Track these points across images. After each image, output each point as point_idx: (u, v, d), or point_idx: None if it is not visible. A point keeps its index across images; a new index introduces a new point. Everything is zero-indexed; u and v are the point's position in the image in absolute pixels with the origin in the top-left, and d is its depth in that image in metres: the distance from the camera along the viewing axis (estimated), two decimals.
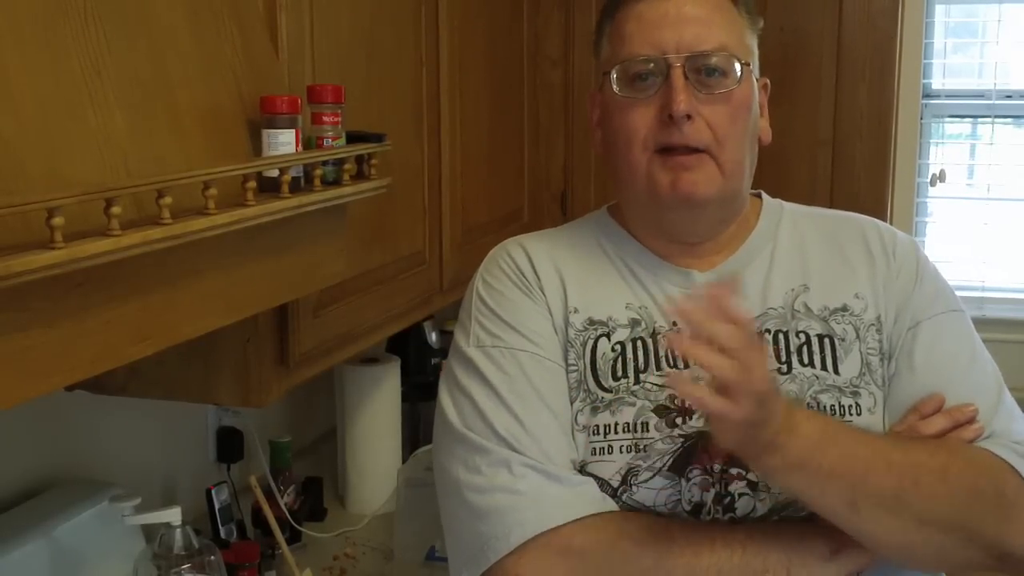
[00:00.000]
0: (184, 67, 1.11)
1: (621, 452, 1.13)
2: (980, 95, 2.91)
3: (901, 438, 1.13)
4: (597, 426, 1.14)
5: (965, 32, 2.97)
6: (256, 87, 1.21)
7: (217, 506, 1.73)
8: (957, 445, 1.12)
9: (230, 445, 1.87)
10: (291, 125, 1.18)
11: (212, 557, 1.46)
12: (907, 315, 1.20)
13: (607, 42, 1.23)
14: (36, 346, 0.86)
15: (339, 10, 1.49)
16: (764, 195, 1.30)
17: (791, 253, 1.24)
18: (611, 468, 1.13)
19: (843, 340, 1.18)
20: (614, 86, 1.18)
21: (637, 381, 1.16)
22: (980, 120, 2.95)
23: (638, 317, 1.19)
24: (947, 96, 2.91)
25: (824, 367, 1.17)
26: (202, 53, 1.15)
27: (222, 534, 1.73)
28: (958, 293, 1.26)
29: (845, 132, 2.31)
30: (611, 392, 1.15)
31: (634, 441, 1.13)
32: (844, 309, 1.20)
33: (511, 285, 1.21)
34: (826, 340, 1.18)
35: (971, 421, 1.14)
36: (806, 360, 1.17)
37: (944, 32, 2.91)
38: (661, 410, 1.14)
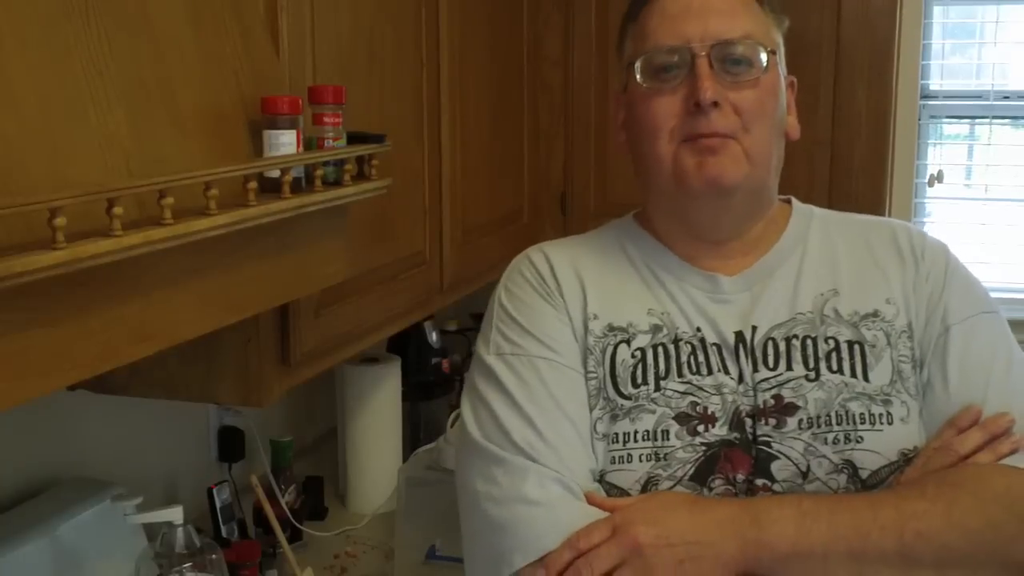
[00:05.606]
0: (185, 68, 1.12)
1: (641, 461, 1.10)
2: (978, 96, 2.91)
3: (897, 489, 1.08)
4: (616, 434, 1.11)
5: (963, 33, 2.97)
6: (257, 88, 1.21)
7: (218, 505, 1.74)
8: (969, 476, 1.07)
9: (231, 444, 1.87)
10: (292, 126, 1.18)
11: (213, 556, 1.46)
12: (937, 320, 1.16)
13: (630, 41, 1.21)
14: (37, 346, 0.86)
15: (339, 10, 1.49)
16: (794, 200, 1.28)
17: (821, 257, 1.21)
18: (631, 477, 1.10)
19: (874, 346, 1.14)
20: (638, 76, 1.17)
21: (658, 388, 1.13)
22: (978, 121, 2.95)
23: (660, 323, 1.16)
24: (945, 97, 2.90)
25: (854, 374, 1.13)
26: (203, 54, 1.15)
27: (223, 533, 1.73)
28: None
29: (843, 133, 2.31)
30: (631, 399, 1.12)
31: (654, 450, 1.10)
32: (875, 315, 1.16)
33: (531, 291, 1.19)
34: (856, 346, 1.14)
35: (1007, 433, 1.10)
36: (835, 367, 1.13)
37: (942, 33, 2.90)
38: (682, 418, 1.11)
